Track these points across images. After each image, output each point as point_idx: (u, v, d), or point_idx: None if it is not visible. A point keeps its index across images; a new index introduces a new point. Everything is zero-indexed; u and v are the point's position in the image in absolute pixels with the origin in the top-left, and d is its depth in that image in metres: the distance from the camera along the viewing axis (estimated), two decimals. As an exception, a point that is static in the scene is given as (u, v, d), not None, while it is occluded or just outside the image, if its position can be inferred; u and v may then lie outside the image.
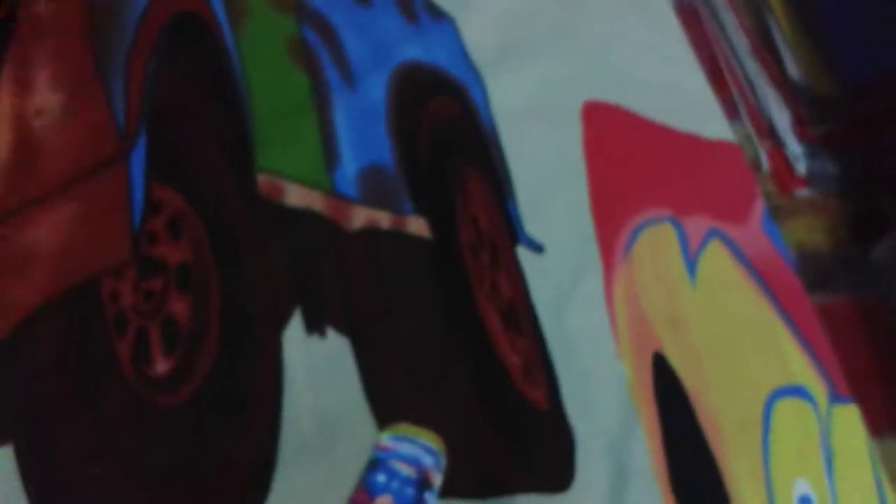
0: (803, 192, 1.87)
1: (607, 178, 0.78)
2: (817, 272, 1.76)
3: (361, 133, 0.77)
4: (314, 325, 0.67)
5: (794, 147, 1.86)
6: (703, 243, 0.75)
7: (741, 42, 1.96)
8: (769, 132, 1.89)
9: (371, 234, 0.72)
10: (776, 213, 1.83)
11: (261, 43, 0.78)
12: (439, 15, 0.85)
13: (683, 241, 0.75)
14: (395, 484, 0.61)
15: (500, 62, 0.83)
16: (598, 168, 0.79)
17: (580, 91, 0.83)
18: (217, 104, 0.73)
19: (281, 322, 0.66)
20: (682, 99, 0.83)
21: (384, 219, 0.73)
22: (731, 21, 2.00)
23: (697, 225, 0.76)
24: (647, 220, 0.76)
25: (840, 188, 1.84)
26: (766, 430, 0.68)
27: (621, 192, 0.78)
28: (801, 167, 1.84)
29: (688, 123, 0.82)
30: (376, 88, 0.79)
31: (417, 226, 0.74)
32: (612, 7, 0.88)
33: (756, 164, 1.88)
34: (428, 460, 0.62)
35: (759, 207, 0.79)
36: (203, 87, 0.73)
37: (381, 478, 0.61)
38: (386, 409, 0.65)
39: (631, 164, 0.80)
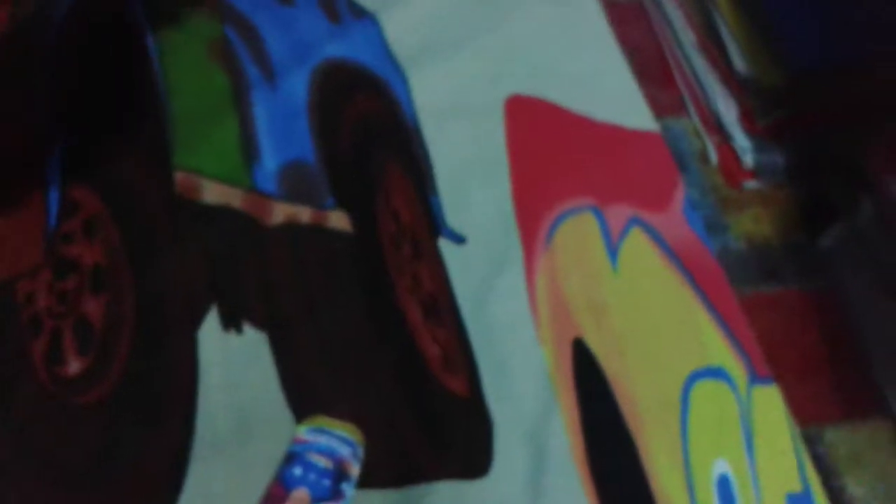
0: (751, 184, 1.89)
1: (529, 169, 0.79)
2: (766, 263, 1.78)
3: (282, 130, 0.77)
4: (230, 322, 0.67)
5: (741, 140, 1.88)
6: (625, 231, 0.76)
7: (687, 37, 1.98)
8: (716, 126, 1.91)
9: (291, 229, 0.73)
10: (725, 206, 1.84)
11: (182, 45, 0.78)
12: (362, 14, 0.86)
13: (605, 229, 0.76)
14: (311, 476, 0.61)
15: (423, 58, 0.84)
16: (521, 160, 0.80)
17: (503, 85, 0.83)
18: (134, 105, 0.73)
19: (196, 319, 0.66)
20: (604, 90, 0.84)
21: (304, 214, 0.74)
22: (676, 16, 2.02)
23: (619, 213, 0.77)
24: (568, 209, 0.77)
25: (788, 179, 1.86)
26: (685, 411, 0.69)
27: (543, 183, 0.78)
28: (749, 160, 1.86)
29: (610, 114, 0.83)
30: (298, 86, 0.80)
31: (338, 220, 0.74)
32: (534, 3, 0.89)
33: (704, 158, 1.90)
34: (345, 451, 0.63)
35: (679, 195, 0.80)
36: (121, 89, 0.73)
37: (297, 470, 0.62)
38: (304, 403, 0.65)
39: (553, 155, 0.80)
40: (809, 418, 1.50)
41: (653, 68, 1.90)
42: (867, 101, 1.70)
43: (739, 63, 1.92)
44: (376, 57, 0.83)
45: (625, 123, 0.82)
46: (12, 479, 0.58)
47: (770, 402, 0.71)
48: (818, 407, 1.53)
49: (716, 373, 0.70)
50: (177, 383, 0.64)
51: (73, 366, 0.63)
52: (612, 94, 0.84)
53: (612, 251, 0.75)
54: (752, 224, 1.78)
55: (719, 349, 0.72)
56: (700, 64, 1.96)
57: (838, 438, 1.52)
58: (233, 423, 0.64)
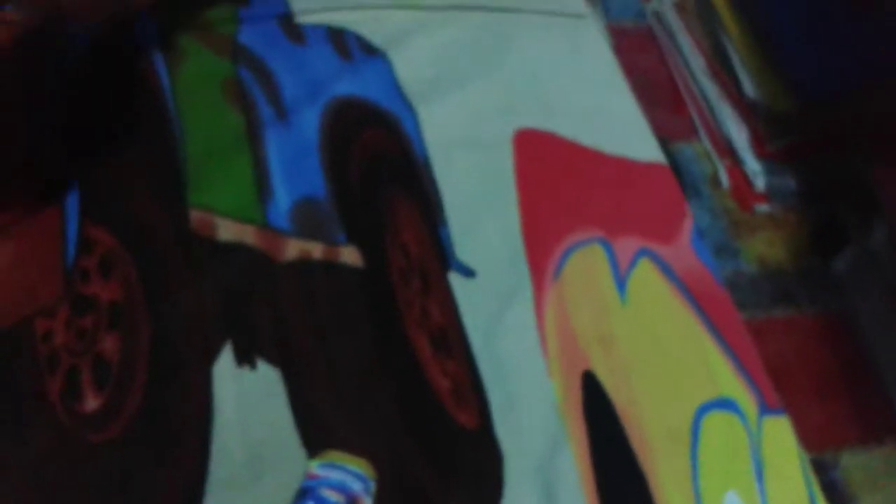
0: (763, 208, 1.89)
1: (538, 202, 0.80)
2: (779, 286, 1.78)
3: (294, 167, 0.79)
4: (245, 358, 0.68)
5: (752, 164, 1.88)
6: (633, 262, 0.77)
7: (698, 63, 2.00)
8: (728, 150, 1.92)
9: (303, 265, 0.74)
10: (737, 230, 1.85)
11: (197, 85, 0.80)
12: (372, 51, 0.88)
13: (613, 260, 0.77)
14: (324, 511, 0.62)
15: (432, 94, 0.85)
16: (529, 193, 0.81)
17: (511, 119, 0.85)
18: (149, 144, 0.75)
19: (211, 355, 0.68)
20: (611, 123, 0.85)
21: (317, 250, 0.75)
22: (687, 42, 2.04)
23: (627, 245, 0.78)
24: (577, 241, 0.78)
25: (799, 202, 1.87)
26: (695, 443, 0.69)
27: (552, 215, 0.79)
28: (760, 183, 1.87)
29: (618, 147, 0.84)
30: (309, 123, 0.81)
31: (349, 255, 0.75)
32: (541, 37, 0.90)
33: (716, 182, 1.91)
34: (357, 486, 0.63)
35: (688, 226, 0.80)
36: (136, 127, 0.75)
37: (310, 505, 0.62)
38: (316, 438, 0.66)
39: (561, 188, 0.81)
40: (825, 442, 1.49)
41: (664, 94, 1.92)
42: (877, 125, 1.70)
43: (749, 88, 1.93)
44: (387, 93, 0.85)
45: (632, 155, 0.83)
46: (31, 515, 0.59)
47: (780, 433, 0.71)
48: (834, 431, 1.52)
49: (726, 404, 0.71)
50: (192, 419, 0.65)
51: (91, 403, 0.64)
52: (619, 127, 0.85)
53: (621, 283, 0.76)
54: (765, 247, 1.78)
55: (729, 380, 0.72)
56: (710, 89, 1.98)
57: (854, 462, 1.51)
58: (247, 458, 0.64)
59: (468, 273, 0.76)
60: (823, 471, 1.49)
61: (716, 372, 0.73)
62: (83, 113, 0.74)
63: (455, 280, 0.76)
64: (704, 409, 0.71)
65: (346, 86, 0.84)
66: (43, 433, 0.62)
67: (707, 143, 1.86)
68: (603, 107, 0.87)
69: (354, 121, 0.83)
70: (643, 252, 0.78)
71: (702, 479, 0.68)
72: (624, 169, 0.83)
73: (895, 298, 1.66)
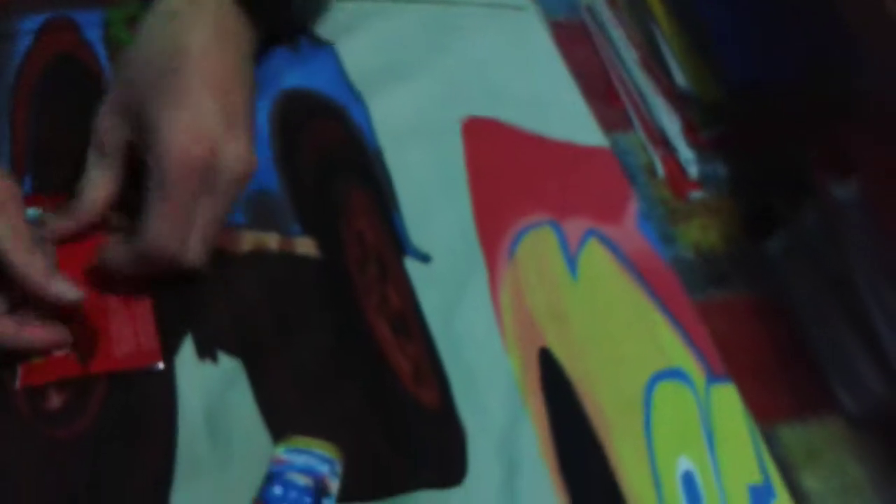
0: (697, 195, 1.95)
1: (489, 188, 0.82)
2: (714, 270, 1.84)
3: (246, 160, 0.79)
4: (206, 350, 0.68)
5: (685, 153, 1.93)
6: (582, 242, 0.80)
7: (630, 55, 2.04)
8: (661, 140, 1.97)
9: (259, 256, 0.74)
10: (673, 217, 1.90)
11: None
12: (320, 42, 0.89)
13: (563, 241, 0.79)
14: (292, 494, 0.63)
15: (380, 83, 0.87)
16: (480, 179, 0.82)
17: (459, 107, 0.86)
18: None
19: (173, 349, 0.68)
20: (555, 109, 0.88)
21: (272, 241, 0.76)
22: (619, 35, 2.09)
23: (576, 226, 0.80)
24: (528, 224, 0.80)
25: (732, 189, 1.93)
26: (648, 412, 0.72)
27: (503, 200, 0.81)
28: (694, 171, 1.92)
29: (562, 132, 0.86)
30: (259, 117, 0.82)
31: (305, 246, 0.76)
32: (484, 28, 0.92)
33: (652, 171, 1.95)
34: (323, 468, 0.64)
35: (633, 207, 0.83)
36: (84, 125, 0.74)
37: (277, 490, 0.63)
38: (280, 424, 0.67)
39: (511, 173, 0.83)
40: (763, 417, 1.55)
41: (598, 86, 1.95)
42: (807, 111, 1.77)
43: (680, 78, 1.99)
44: (335, 84, 0.86)
45: (577, 140, 0.86)
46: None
47: (728, 400, 0.75)
48: (771, 407, 1.58)
49: (675, 374, 0.73)
50: (156, 412, 0.65)
51: (54, 399, 0.64)
52: (562, 113, 0.88)
53: (572, 262, 0.78)
54: (700, 233, 1.83)
55: (677, 351, 0.75)
56: (643, 81, 2.03)
57: (792, 435, 1.57)
58: (213, 448, 0.65)
59: (424, 258, 0.77)
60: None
61: (665, 344, 0.76)
62: (30, 110, 0.74)
63: (411, 265, 0.77)
64: (655, 380, 0.73)
65: (295, 78, 0.85)
66: (8, 430, 0.62)
67: (642, 134, 1.91)
68: (546, 94, 0.89)
69: (304, 112, 0.84)
70: (591, 232, 0.81)
71: (655, 446, 0.70)
72: (569, 153, 0.85)
73: (825, 280, 1.73)
